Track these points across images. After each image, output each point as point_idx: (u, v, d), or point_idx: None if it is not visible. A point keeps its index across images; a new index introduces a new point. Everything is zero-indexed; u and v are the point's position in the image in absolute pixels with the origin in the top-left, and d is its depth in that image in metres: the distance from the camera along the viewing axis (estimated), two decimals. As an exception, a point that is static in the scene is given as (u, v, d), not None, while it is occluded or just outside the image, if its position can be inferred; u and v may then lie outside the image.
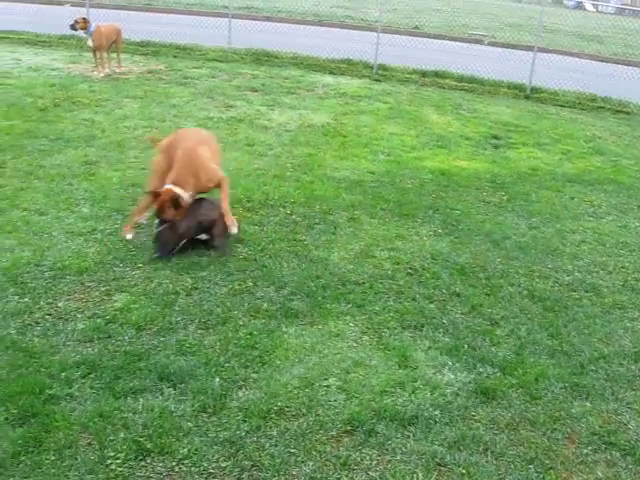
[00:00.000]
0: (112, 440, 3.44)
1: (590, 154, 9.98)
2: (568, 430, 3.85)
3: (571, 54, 20.74)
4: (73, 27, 12.11)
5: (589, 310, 5.26)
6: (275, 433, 3.60)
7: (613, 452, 3.71)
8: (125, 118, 9.46)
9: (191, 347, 4.27)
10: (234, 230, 5.58)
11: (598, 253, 6.37)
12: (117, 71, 12.57)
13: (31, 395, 3.68)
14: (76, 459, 3.31)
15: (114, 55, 12.73)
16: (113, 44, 12.52)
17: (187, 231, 5.48)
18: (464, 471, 3.47)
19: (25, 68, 12.34)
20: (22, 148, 7.79)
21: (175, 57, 14.78)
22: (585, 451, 3.70)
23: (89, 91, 10.89)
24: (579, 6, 42.16)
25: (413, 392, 4.02)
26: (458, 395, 4.05)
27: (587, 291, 5.58)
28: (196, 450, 3.43)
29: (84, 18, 12.11)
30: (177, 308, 4.72)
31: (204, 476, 3.31)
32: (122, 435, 3.48)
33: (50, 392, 3.74)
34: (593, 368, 4.47)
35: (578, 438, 3.80)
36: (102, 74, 12.15)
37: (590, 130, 11.63)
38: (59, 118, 9.18)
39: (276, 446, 3.51)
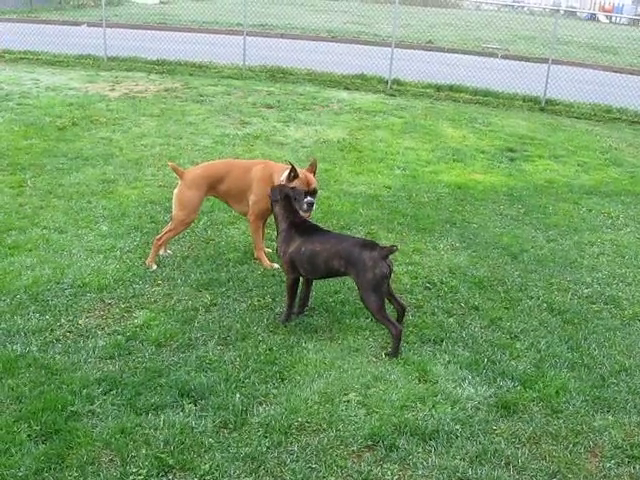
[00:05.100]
0: (134, 456, 3.46)
1: (607, 166, 9.95)
2: (590, 444, 3.82)
3: (585, 66, 20.75)
4: None
5: (609, 322, 5.23)
6: (296, 448, 3.60)
7: (637, 465, 3.67)
8: (142, 136, 9.55)
9: (211, 363, 4.28)
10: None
11: (617, 265, 6.34)
12: None
13: (53, 412, 3.71)
14: (99, 475, 3.33)
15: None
16: None
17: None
18: (486, 486, 3.46)
19: (43, 88, 12.51)
20: (41, 167, 7.89)
21: (191, 75, 14.92)
22: (608, 465, 3.67)
23: (106, 110, 11.00)
24: (592, 17, 42.13)
25: (433, 406, 4.01)
26: (479, 409, 4.03)
27: (607, 303, 5.55)
28: (217, 466, 3.44)
29: None
30: (197, 324, 4.74)
31: (226, 492, 3.32)
32: (144, 451, 3.49)
33: (72, 409, 3.77)
34: (614, 381, 4.43)
35: (601, 452, 3.77)
36: None
37: (606, 141, 11.60)
38: (77, 137, 9.29)
39: (297, 461, 3.51)
